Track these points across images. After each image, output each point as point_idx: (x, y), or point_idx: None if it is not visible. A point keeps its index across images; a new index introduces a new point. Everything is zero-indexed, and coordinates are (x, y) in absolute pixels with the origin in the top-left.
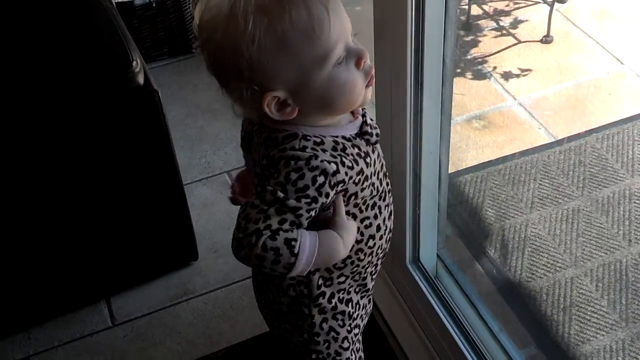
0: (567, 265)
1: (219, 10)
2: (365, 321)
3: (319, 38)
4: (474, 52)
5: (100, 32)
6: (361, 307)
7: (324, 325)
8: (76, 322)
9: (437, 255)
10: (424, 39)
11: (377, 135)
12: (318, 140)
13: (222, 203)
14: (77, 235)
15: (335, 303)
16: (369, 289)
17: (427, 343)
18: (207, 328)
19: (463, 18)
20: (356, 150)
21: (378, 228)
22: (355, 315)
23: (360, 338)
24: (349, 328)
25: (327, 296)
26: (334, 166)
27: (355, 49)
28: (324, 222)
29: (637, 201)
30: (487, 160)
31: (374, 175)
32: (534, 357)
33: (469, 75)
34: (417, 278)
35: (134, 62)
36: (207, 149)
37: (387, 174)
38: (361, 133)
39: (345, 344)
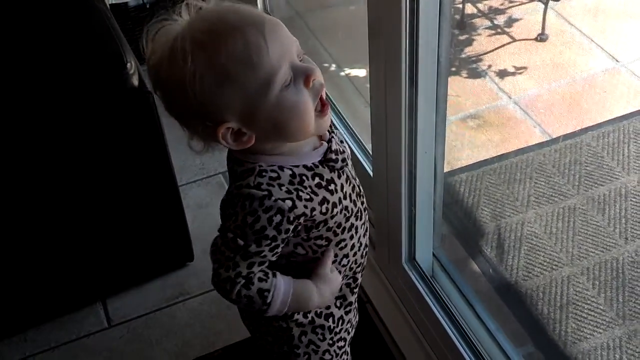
0: (563, 263)
1: (162, 51)
2: (352, 333)
3: (259, 64)
4: (469, 51)
5: (94, 34)
6: (345, 321)
7: (303, 338)
8: (72, 323)
9: (433, 254)
10: (419, 38)
11: (342, 160)
12: (274, 175)
13: (217, 204)
14: (73, 236)
15: (312, 317)
16: (351, 302)
17: (423, 342)
18: (203, 328)
19: (457, 17)
20: (317, 180)
21: (352, 247)
22: (337, 330)
23: (348, 350)
24: (330, 342)
25: (308, 318)
26: (289, 202)
27: (301, 67)
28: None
29: (633, 199)
30: (482, 159)
31: (345, 199)
32: (531, 356)
33: (464, 74)
34: (413, 277)
35: (129, 64)
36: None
37: (362, 193)
38: (325, 160)
39: (327, 356)
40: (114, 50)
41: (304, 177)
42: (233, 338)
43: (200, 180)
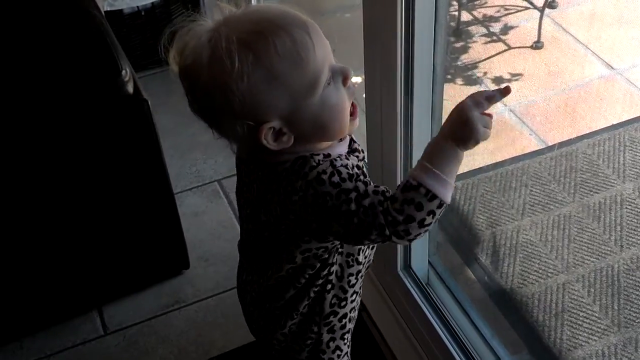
0: (558, 271)
1: (199, 53)
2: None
3: (307, 63)
4: (464, 59)
5: (89, 41)
6: (354, 320)
7: (331, 344)
8: (68, 331)
9: (429, 262)
10: (414, 45)
11: (363, 151)
12: (325, 153)
13: (212, 212)
14: (69, 244)
15: (345, 322)
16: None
17: (419, 350)
18: (198, 336)
19: (453, 24)
20: (354, 162)
21: None
22: (352, 330)
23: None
24: (349, 344)
25: (339, 315)
26: (350, 162)
27: (339, 68)
28: None
29: (628, 207)
30: (478, 166)
31: None
32: None
33: (459, 81)
34: (408, 285)
35: (124, 71)
36: (198, 158)
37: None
38: (351, 151)
39: (345, 359)
40: (109, 58)
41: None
42: (228, 346)
43: (196, 188)
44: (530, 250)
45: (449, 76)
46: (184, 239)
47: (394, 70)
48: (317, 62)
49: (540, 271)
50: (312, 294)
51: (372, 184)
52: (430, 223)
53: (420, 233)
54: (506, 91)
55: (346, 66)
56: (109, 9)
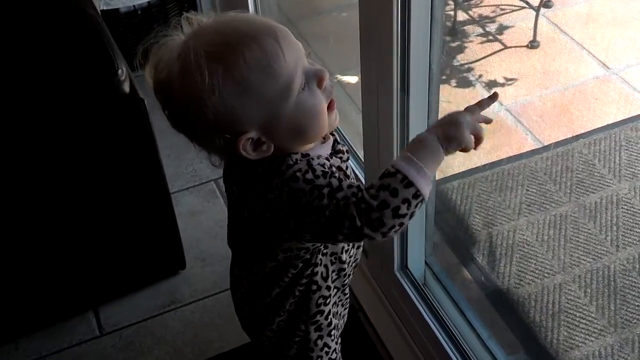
0: (555, 271)
1: (171, 68)
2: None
3: (278, 72)
4: (460, 58)
5: (86, 40)
6: (341, 316)
7: (319, 342)
8: (64, 331)
9: (425, 262)
10: (410, 44)
11: (347, 152)
12: (304, 153)
13: (209, 211)
14: (65, 244)
15: (331, 319)
16: (347, 294)
17: (415, 350)
18: (195, 337)
19: (449, 24)
20: (336, 163)
21: None
22: (339, 326)
23: None
24: (337, 340)
25: (324, 314)
26: (327, 162)
27: (313, 70)
28: None
29: (624, 206)
30: (474, 166)
31: None
32: None
33: (455, 81)
34: (405, 285)
35: (120, 71)
36: (194, 157)
37: None
38: (335, 152)
39: (334, 355)
40: (105, 57)
41: (327, 159)
42: (224, 346)
43: (193, 188)
44: (526, 251)
45: (444, 76)
46: (181, 238)
47: (390, 69)
48: (288, 69)
49: (537, 271)
50: (297, 293)
51: (346, 180)
52: (405, 214)
53: (395, 226)
54: (494, 97)
55: (321, 68)
56: (105, 8)
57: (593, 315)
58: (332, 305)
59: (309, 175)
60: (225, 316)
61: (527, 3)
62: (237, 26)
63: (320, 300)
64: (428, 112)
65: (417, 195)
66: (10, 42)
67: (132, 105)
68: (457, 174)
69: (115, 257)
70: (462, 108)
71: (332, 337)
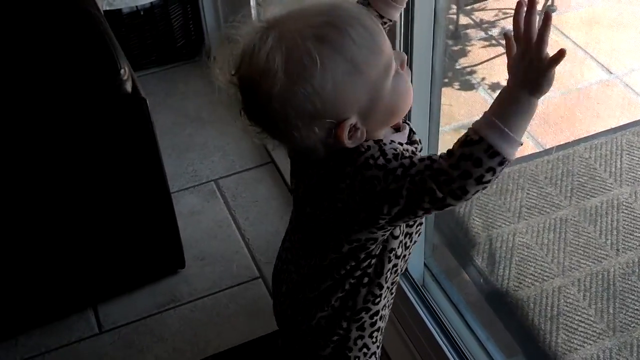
0: (554, 274)
1: (268, 57)
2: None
3: (382, 49)
4: (463, 62)
5: (88, 40)
6: (386, 319)
7: (359, 341)
8: (63, 329)
9: (425, 264)
10: (413, 47)
11: (420, 141)
12: (376, 139)
13: (209, 211)
14: (65, 242)
15: (376, 320)
16: (394, 293)
17: (414, 352)
18: (194, 335)
19: (452, 27)
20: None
21: (418, 229)
22: (383, 329)
23: None
24: (378, 344)
25: (371, 312)
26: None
27: (396, 53)
28: None
29: (624, 211)
30: None
31: None
32: None
33: (457, 84)
34: (404, 287)
35: (122, 70)
36: (195, 157)
37: None
38: (410, 142)
39: (372, 359)
40: (108, 57)
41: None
42: (223, 345)
43: (193, 188)
44: (526, 253)
45: (446, 79)
46: (180, 238)
47: None
48: (388, 47)
49: (536, 274)
50: (347, 286)
51: (424, 155)
52: (490, 180)
53: (478, 191)
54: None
55: (401, 51)
56: (108, 9)
57: (592, 318)
58: (381, 307)
59: (381, 161)
60: (224, 315)
61: None
62: (334, 6)
63: (369, 297)
64: (430, 114)
65: (503, 161)
66: (13, 42)
67: (134, 105)
68: None
69: (115, 256)
70: (463, 110)
71: (374, 339)
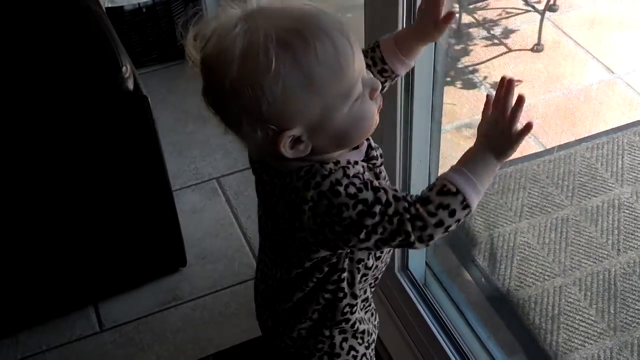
0: (555, 274)
1: (230, 44)
2: (375, 336)
3: (345, 73)
4: (465, 61)
5: (90, 38)
6: (369, 322)
7: (344, 344)
8: (64, 327)
9: (426, 263)
10: None
11: (381, 156)
12: (335, 161)
13: (210, 209)
14: (66, 240)
15: (357, 326)
16: (370, 302)
17: (415, 351)
18: (195, 334)
19: (454, 26)
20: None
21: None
22: (371, 331)
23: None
24: (367, 344)
25: (350, 322)
26: (361, 168)
27: (369, 80)
28: None
29: (626, 210)
30: None
31: None
32: None
33: (459, 83)
34: (405, 286)
35: (124, 68)
36: (196, 155)
37: None
38: (367, 159)
39: None
40: (110, 54)
41: (357, 166)
42: (224, 344)
43: (194, 186)
44: (527, 253)
45: (449, 78)
46: (182, 236)
47: None
48: (354, 73)
49: (537, 274)
50: (322, 300)
51: (389, 188)
52: (451, 229)
53: (438, 237)
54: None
55: (375, 79)
56: (109, 6)
57: (593, 318)
58: (357, 313)
59: (351, 189)
60: (225, 314)
61: (532, 6)
62: (310, 15)
63: (347, 309)
64: (431, 114)
65: (468, 214)
66: (15, 39)
67: (135, 103)
68: None
69: (117, 254)
70: (465, 109)
71: (360, 341)
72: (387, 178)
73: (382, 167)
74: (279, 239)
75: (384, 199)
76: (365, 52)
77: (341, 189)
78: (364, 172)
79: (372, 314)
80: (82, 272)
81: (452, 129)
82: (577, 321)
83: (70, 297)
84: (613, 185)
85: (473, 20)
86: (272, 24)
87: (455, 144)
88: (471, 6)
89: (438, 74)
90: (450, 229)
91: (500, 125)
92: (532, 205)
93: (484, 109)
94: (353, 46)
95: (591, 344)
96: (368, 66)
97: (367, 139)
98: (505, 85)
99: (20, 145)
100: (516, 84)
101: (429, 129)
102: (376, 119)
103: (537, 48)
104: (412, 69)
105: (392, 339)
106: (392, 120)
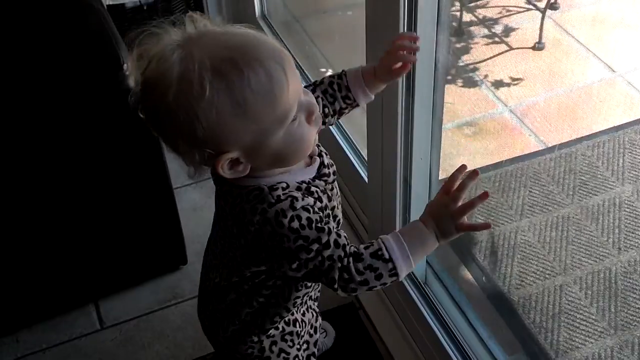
0: (556, 272)
1: (168, 69)
2: (315, 338)
3: (279, 101)
4: (466, 59)
5: (91, 34)
6: (306, 323)
7: (274, 348)
8: (65, 325)
9: (427, 261)
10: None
11: (334, 173)
12: (284, 185)
13: (211, 207)
14: (67, 238)
15: (282, 326)
16: (313, 299)
17: (415, 349)
18: (195, 332)
19: (455, 24)
20: (319, 188)
21: None
22: (302, 333)
23: (315, 351)
24: (298, 346)
25: (279, 330)
26: (311, 199)
27: (306, 103)
28: None
29: (627, 209)
30: (477, 166)
31: (336, 208)
32: None
33: (460, 81)
34: (406, 284)
35: (125, 65)
36: None
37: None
38: (319, 176)
39: None
40: (111, 51)
41: (309, 186)
42: None
43: (195, 184)
44: (528, 252)
45: (450, 76)
46: (182, 234)
47: None
48: (289, 99)
49: (538, 272)
50: (255, 304)
51: (333, 230)
52: (377, 289)
53: (363, 292)
54: (483, 197)
55: (312, 101)
56: (111, 3)
57: (593, 317)
58: (295, 322)
59: (295, 224)
60: None
61: (533, 5)
62: (247, 44)
63: (277, 318)
64: (433, 112)
65: (395, 281)
66: (15, 36)
67: None
68: None
69: (117, 251)
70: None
71: (290, 343)
72: (339, 194)
73: (335, 184)
74: (225, 248)
75: (324, 240)
76: (331, 78)
77: (285, 221)
78: (314, 202)
79: (312, 315)
80: (83, 270)
81: (453, 127)
82: (577, 320)
83: (71, 295)
84: (614, 184)
85: (474, 18)
86: (209, 52)
87: (456, 142)
88: (472, 4)
89: (439, 72)
90: (375, 289)
91: (451, 211)
92: (532, 203)
93: (446, 183)
94: (288, 74)
95: (592, 342)
96: (333, 91)
97: (320, 156)
98: (462, 176)
99: (20, 143)
100: (515, 80)
101: (430, 127)
102: (312, 140)
103: (538, 46)
104: (413, 68)
105: (393, 337)
106: (393, 118)
